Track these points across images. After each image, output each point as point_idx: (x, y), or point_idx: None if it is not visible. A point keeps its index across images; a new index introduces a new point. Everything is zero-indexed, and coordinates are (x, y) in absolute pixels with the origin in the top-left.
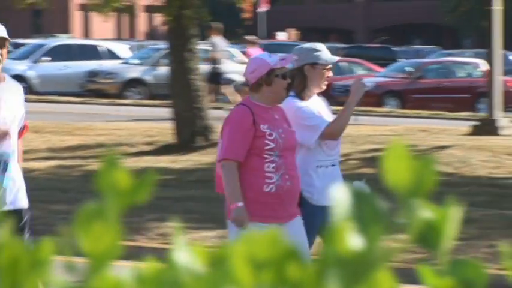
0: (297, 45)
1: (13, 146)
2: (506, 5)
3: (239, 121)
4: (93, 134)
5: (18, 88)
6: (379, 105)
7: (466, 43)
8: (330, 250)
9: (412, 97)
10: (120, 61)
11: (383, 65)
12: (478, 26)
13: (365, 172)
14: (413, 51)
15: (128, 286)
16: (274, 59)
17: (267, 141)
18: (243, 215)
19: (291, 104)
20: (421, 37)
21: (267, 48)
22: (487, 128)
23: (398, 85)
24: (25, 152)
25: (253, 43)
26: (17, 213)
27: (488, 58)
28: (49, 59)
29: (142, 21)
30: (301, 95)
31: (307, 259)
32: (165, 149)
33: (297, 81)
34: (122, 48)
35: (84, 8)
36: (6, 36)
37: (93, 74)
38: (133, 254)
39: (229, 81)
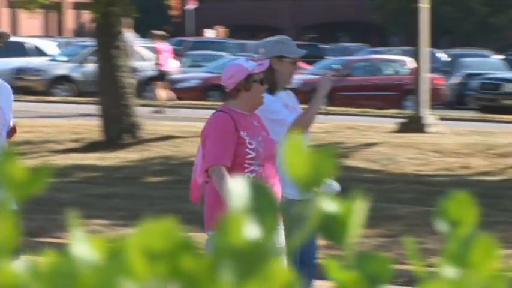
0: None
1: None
2: (433, 3)
3: (221, 126)
4: (19, 131)
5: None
6: (307, 102)
7: (393, 41)
8: (223, 241)
9: (340, 94)
10: (47, 58)
11: (310, 63)
12: (406, 24)
13: None
14: (341, 49)
15: (23, 278)
16: (252, 64)
17: (248, 150)
18: None
19: None
20: (349, 35)
21: (195, 45)
22: (414, 125)
23: None
24: None
25: (162, 38)
26: None
27: (416, 56)
28: None
29: (70, 19)
30: (268, 89)
31: (284, 260)
32: (92, 146)
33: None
34: (50, 46)
35: (11, 4)
36: None
37: (20, 71)
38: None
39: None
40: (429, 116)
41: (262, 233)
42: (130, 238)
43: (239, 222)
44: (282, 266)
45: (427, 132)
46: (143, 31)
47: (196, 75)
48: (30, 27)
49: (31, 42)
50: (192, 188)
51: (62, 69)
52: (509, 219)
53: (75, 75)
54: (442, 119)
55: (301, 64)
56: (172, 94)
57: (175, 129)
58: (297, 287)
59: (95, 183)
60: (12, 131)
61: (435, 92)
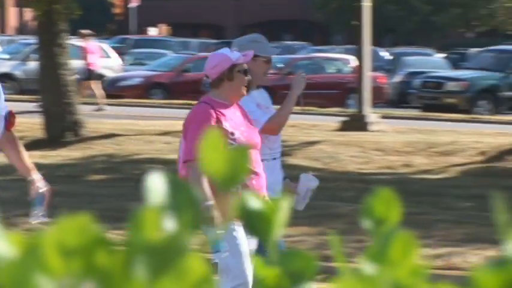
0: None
1: None
2: (375, 1)
3: (202, 118)
4: None
5: None
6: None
7: (336, 39)
8: (137, 237)
9: (282, 93)
10: None
11: None
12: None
13: None
14: (283, 47)
15: None
16: (236, 55)
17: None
18: (213, 213)
19: None
20: (292, 33)
21: (138, 43)
22: (356, 123)
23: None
24: None
25: (88, 37)
26: None
27: (358, 54)
28: None
29: (12, 16)
30: None
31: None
32: (34, 144)
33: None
34: None
35: None
36: None
37: None
38: None
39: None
40: (371, 115)
41: (178, 228)
42: (46, 234)
43: (154, 218)
44: (196, 262)
45: (370, 131)
46: (86, 29)
47: (138, 73)
48: None
49: None
50: None
51: (4, 67)
52: (450, 218)
53: (17, 73)
54: (385, 117)
55: None
56: (102, 93)
57: (117, 127)
58: (211, 282)
59: None
60: (10, 117)
61: (378, 91)
